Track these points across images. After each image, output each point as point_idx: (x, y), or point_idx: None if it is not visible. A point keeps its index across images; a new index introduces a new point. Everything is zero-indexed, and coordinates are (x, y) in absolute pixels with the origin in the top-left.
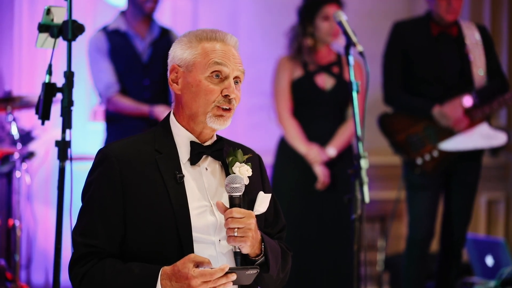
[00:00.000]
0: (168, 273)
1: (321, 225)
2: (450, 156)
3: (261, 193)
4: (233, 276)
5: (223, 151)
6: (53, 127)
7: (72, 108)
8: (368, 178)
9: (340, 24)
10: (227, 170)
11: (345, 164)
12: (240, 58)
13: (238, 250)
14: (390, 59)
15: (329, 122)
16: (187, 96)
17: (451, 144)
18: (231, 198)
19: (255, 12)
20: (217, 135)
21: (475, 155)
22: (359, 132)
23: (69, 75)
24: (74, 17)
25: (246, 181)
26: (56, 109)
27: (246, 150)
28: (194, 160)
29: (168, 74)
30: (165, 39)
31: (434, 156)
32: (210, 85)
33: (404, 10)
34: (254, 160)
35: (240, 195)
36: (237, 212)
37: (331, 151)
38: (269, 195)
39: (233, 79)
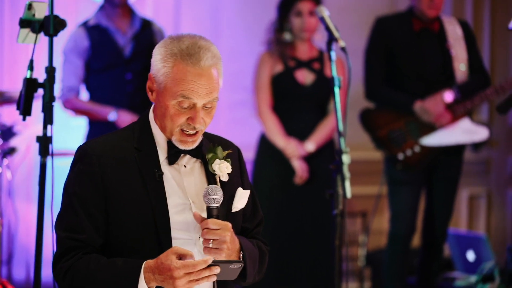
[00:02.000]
0: (151, 266)
1: (301, 219)
2: (432, 151)
3: (239, 189)
4: (217, 269)
5: (202, 148)
6: (35, 123)
7: (54, 103)
8: (350, 173)
9: (322, 19)
10: (206, 166)
11: (324, 159)
12: (216, 78)
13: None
14: (372, 54)
15: (308, 117)
16: (158, 111)
17: (433, 140)
18: (208, 209)
19: (237, 7)
20: None
21: (456, 150)
22: (341, 128)
23: (50, 71)
24: (55, 12)
25: (226, 178)
26: (37, 104)
27: (225, 144)
28: (172, 159)
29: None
30: (147, 31)
31: (416, 152)
32: (177, 111)
33: (386, 6)
34: (233, 154)
35: (217, 206)
36: (213, 223)
37: (310, 146)
38: (247, 192)
39: (205, 103)
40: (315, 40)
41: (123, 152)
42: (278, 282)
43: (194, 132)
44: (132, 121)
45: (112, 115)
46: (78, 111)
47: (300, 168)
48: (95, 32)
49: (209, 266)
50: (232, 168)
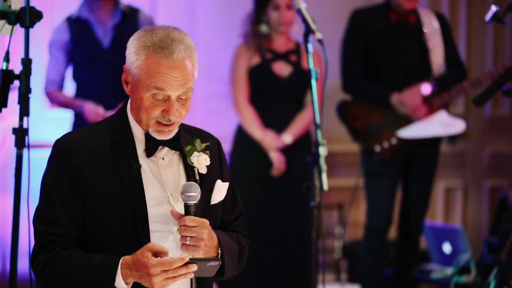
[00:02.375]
0: (128, 262)
1: (278, 211)
2: (409, 143)
3: (218, 182)
4: (194, 267)
5: (181, 140)
6: (11, 115)
7: (30, 95)
8: (327, 165)
9: (299, 11)
10: (185, 159)
11: (301, 151)
12: (191, 70)
13: (192, 257)
14: (349, 46)
15: (285, 109)
16: (133, 103)
17: (409, 132)
18: (186, 206)
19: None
20: None
21: (433, 142)
22: (317, 120)
23: (26, 62)
24: (32, 3)
25: (204, 170)
26: (13, 96)
27: (204, 136)
28: (149, 152)
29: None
30: (130, 21)
31: (393, 144)
32: (152, 104)
33: None
34: (212, 146)
35: (195, 203)
36: (191, 220)
37: (287, 137)
38: (226, 184)
39: (180, 95)
40: (292, 32)
41: (100, 145)
42: (255, 274)
43: (169, 123)
44: (96, 114)
45: (79, 108)
46: (59, 104)
47: (277, 160)
48: (76, 25)
49: (187, 263)
50: (211, 160)
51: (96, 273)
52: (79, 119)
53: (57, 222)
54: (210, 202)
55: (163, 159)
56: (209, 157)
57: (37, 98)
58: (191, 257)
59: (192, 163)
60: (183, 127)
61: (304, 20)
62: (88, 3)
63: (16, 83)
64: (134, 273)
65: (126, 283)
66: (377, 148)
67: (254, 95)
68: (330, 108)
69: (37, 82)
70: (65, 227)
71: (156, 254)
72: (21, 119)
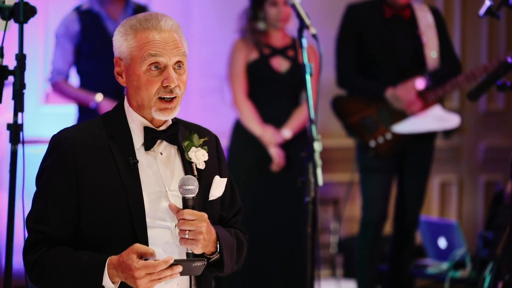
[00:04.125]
0: (114, 262)
1: (277, 206)
2: (404, 138)
3: (216, 177)
4: (179, 268)
5: (179, 135)
6: (5, 110)
7: (24, 91)
8: (322, 160)
9: (293, 6)
10: (183, 154)
11: (300, 146)
12: (179, 39)
13: (190, 252)
14: (343, 41)
15: (284, 104)
16: (131, 89)
17: (404, 127)
18: (184, 200)
19: None
20: (172, 118)
21: (428, 137)
22: (312, 115)
23: (21, 58)
24: None
25: (202, 166)
26: (8, 92)
27: (202, 132)
28: (148, 145)
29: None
30: None
31: (388, 139)
32: (150, 78)
33: None
34: (210, 142)
35: (193, 197)
36: (189, 214)
37: (286, 133)
38: (224, 179)
39: (175, 64)
40: (287, 28)
41: (97, 141)
42: (252, 269)
43: (172, 97)
44: None
45: (93, 103)
46: (65, 95)
47: (277, 155)
48: (87, 17)
49: (171, 265)
50: (209, 156)
51: (83, 273)
52: (85, 114)
53: (45, 220)
54: (208, 198)
55: (162, 154)
56: (207, 153)
57: (31, 94)
58: (176, 258)
59: (190, 158)
60: (181, 122)
61: (298, 15)
62: None
63: (11, 78)
64: (120, 274)
65: (113, 283)
66: (372, 143)
67: (252, 90)
68: (325, 103)
69: (32, 77)
70: (53, 225)
71: (142, 255)
72: (15, 115)
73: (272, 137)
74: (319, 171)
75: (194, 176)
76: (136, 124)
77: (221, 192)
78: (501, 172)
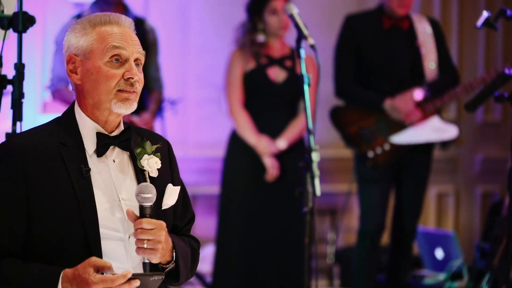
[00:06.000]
0: (69, 276)
1: (272, 217)
2: (401, 149)
3: (169, 186)
4: (136, 283)
5: (131, 141)
6: (4, 120)
7: (23, 100)
8: (320, 171)
9: (291, 17)
10: (135, 161)
11: (295, 157)
12: (137, 39)
13: (147, 261)
14: (342, 52)
15: (280, 114)
16: (88, 84)
17: (402, 138)
18: (141, 208)
19: (205, 4)
20: (124, 123)
21: (426, 148)
22: (310, 125)
23: (19, 67)
24: (25, 8)
25: (155, 174)
26: (6, 101)
27: (154, 138)
28: (100, 151)
29: (65, 65)
30: (139, 29)
31: (386, 149)
32: (111, 70)
33: (355, 4)
34: (163, 148)
35: (151, 205)
36: (147, 223)
37: (281, 143)
38: (178, 188)
39: (135, 61)
40: (286, 38)
41: (48, 148)
42: (248, 279)
43: (132, 90)
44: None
45: None
46: (68, 102)
47: (271, 165)
48: None
49: (129, 279)
50: (162, 163)
51: (35, 286)
52: None
53: None
54: (161, 207)
55: (114, 161)
56: (160, 160)
57: (29, 103)
58: (134, 273)
59: (143, 166)
60: (133, 129)
61: (297, 26)
62: (99, 6)
63: (9, 88)
64: None
65: None
66: (370, 154)
67: (248, 100)
68: (323, 113)
69: (30, 87)
70: (4, 238)
71: (99, 269)
72: (14, 124)
73: (266, 147)
74: (317, 181)
75: None
76: (87, 130)
77: (174, 201)
78: (498, 183)
